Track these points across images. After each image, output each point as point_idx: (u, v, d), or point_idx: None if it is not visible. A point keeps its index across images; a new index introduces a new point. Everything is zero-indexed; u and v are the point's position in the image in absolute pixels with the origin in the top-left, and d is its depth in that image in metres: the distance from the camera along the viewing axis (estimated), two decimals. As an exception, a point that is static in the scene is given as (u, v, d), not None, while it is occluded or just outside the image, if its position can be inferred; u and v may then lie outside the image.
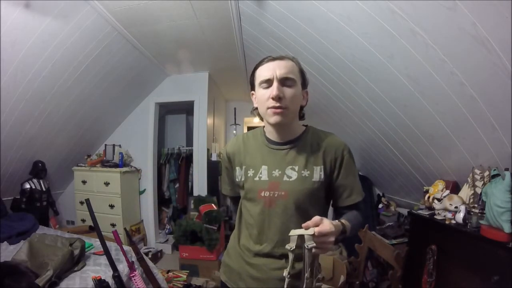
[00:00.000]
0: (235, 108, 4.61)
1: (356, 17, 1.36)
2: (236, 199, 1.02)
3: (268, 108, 0.79)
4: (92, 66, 2.32)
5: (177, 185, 3.90)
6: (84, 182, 3.13)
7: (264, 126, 0.92)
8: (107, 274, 1.52)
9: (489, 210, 1.18)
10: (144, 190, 3.47)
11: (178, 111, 4.30)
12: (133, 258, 1.72)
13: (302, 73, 0.85)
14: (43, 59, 1.94)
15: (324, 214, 0.87)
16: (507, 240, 1.08)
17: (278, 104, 0.77)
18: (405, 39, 1.23)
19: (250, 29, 2.17)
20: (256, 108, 0.88)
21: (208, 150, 3.40)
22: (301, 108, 0.87)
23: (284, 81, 0.79)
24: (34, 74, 1.99)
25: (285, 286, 0.68)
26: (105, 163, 3.19)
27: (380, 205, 2.61)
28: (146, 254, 2.69)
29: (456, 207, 1.38)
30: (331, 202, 0.89)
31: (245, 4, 1.85)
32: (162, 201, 3.90)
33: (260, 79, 0.81)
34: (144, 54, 2.65)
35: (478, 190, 1.36)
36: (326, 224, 0.65)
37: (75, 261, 1.58)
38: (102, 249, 1.53)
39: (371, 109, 1.91)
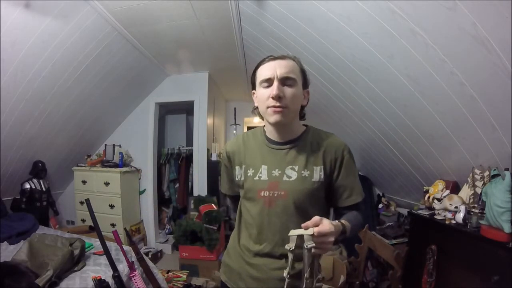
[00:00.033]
0: (235, 108, 4.61)
1: (356, 17, 1.36)
2: (234, 198, 1.02)
3: (268, 107, 0.79)
4: (92, 66, 2.32)
5: (177, 185, 3.90)
6: (84, 182, 3.13)
7: (264, 126, 0.92)
8: (107, 274, 1.52)
9: (489, 210, 1.18)
10: (144, 190, 3.47)
11: (178, 111, 4.30)
12: (133, 258, 1.72)
13: (303, 73, 0.85)
14: (43, 59, 1.94)
15: (324, 214, 0.87)
16: (507, 240, 1.08)
17: (278, 104, 0.77)
18: (405, 39, 1.23)
19: (250, 29, 2.17)
20: (257, 107, 0.88)
21: (208, 150, 3.40)
22: (302, 108, 0.87)
23: (284, 81, 0.79)
24: (34, 74, 1.99)
25: (285, 287, 0.68)
26: (105, 163, 3.19)
27: (380, 205, 2.61)
28: (146, 254, 2.69)
29: (456, 207, 1.38)
30: (331, 202, 0.89)
31: (245, 4, 1.85)
32: (162, 201, 3.90)
33: (261, 78, 0.81)
34: (144, 54, 2.65)
35: (478, 190, 1.36)
36: (326, 224, 0.65)
37: (75, 261, 1.58)
38: (102, 249, 1.53)
39: (371, 109, 1.91)
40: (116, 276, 1.47)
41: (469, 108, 1.24)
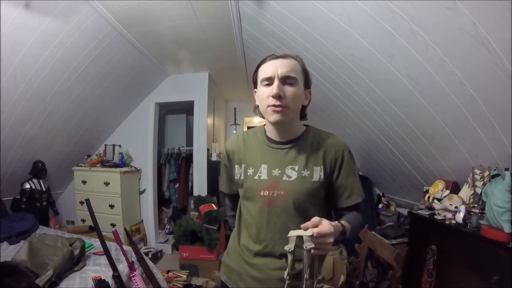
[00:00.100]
0: (235, 108, 4.61)
1: (356, 17, 1.36)
2: (233, 197, 1.03)
3: (268, 106, 0.79)
4: (92, 66, 2.32)
5: (177, 185, 3.90)
6: (84, 182, 3.13)
7: (265, 125, 0.92)
8: (107, 274, 1.52)
9: (489, 210, 1.18)
10: (144, 190, 3.47)
11: (178, 111, 4.30)
12: (133, 258, 1.72)
13: (305, 72, 0.84)
14: (43, 59, 1.94)
15: (324, 214, 0.87)
16: (507, 240, 1.08)
17: (278, 103, 0.77)
18: (405, 39, 1.23)
19: (250, 29, 2.17)
20: (258, 106, 0.88)
21: (208, 150, 3.40)
22: (303, 107, 0.87)
23: (285, 80, 0.78)
24: (34, 74, 1.99)
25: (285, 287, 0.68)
26: (105, 163, 3.19)
27: (380, 205, 2.61)
28: (146, 254, 2.69)
29: (456, 207, 1.38)
30: (332, 202, 0.89)
31: (245, 4, 1.85)
32: (162, 201, 3.90)
33: (262, 76, 0.81)
34: (144, 54, 2.65)
35: (478, 190, 1.36)
36: (325, 225, 0.65)
37: (75, 261, 1.58)
38: (102, 249, 1.53)
39: (371, 109, 1.91)
40: (116, 276, 1.47)
41: (469, 108, 1.24)
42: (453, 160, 1.60)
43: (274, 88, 0.77)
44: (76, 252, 1.59)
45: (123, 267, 1.62)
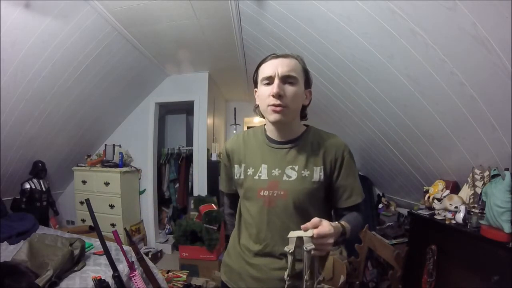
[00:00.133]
0: (235, 108, 4.61)
1: (356, 17, 1.36)
2: (231, 196, 1.03)
3: (268, 105, 0.79)
4: (92, 66, 2.32)
5: (177, 185, 3.90)
6: (84, 182, 3.13)
7: (265, 125, 0.92)
8: (107, 274, 1.52)
9: (489, 210, 1.18)
10: (144, 190, 3.47)
11: (178, 111, 4.30)
12: (133, 258, 1.72)
13: (305, 72, 0.84)
14: (43, 59, 1.94)
15: (324, 214, 0.87)
16: (507, 240, 1.08)
17: (278, 102, 0.77)
18: (405, 39, 1.23)
19: (250, 29, 2.17)
20: (258, 106, 0.88)
21: (208, 150, 3.40)
22: (304, 107, 0.87)
23: (285, 79, 0.78)
24: (34, 74, 1.99)
25: None
26: (105, 163, 3.19)
27: (380, 205, 2.61)
28: (146, 254, 2.69)
29: (456, 207, 1.38)
30: (332, 203, 0.89)
31: (245, 4, 1.85)
32: (162, 201, 3.90)
33: (262, 76, 0.81)
34: (144, 54, 2.65)
35: (478, 190, 1.37)
36: (325, 226, 0.65)
37: (75, 261, 1.58)
38: (102, 249, 1.53)
39: (371, 109, 1.91)
40: (116, 276, 1.47)
41: (469, 108, 1.24)
42: (453, 160, 1.60)
43: (274, 87, 0.76)
44: (76, 252, 1.59)
45: (123, 267, 1.62)
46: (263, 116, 0.87)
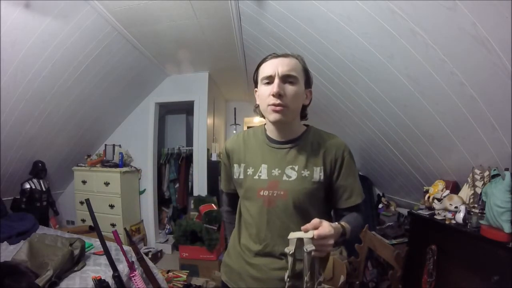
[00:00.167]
0: (235, 108, 4.61)
1: (356, 17, 1.36)
2: (229, 195, 1.03)
3: (269, 105, 0.78)
4: (92, 66, 2.32)
5: (177, 185, 3.90)
6: (84, 182, 3.13)
7: (265, 124, 0.92)
8: (107, 274, 1.52)
9: (489, 210, 1.18)
10: (144, 190, 3.47)
11: (178, 111, 4.30)
12: (133, 258, 1.72)
13: (306, 71, 0.84)
14: (43, 59, 1.94)
15: (324, 214, 0.87)
16: (507, 240, 1.08)
17: (278, 101, 0.76)
18: (405, 39, 1.23)
19: (250, 29, 2.17)
20: (258, 106, 0.88)
21: (208, 150, 3.40)
22: (304, 107, 0.87)
23: (285, 79, 0.78)
24: (34, 74, 1.99)
25: None
26: (105, 163, 3.19)
27: (380, 205, 2.61)
28: (146, 254, 2.69)
29: (456, 207, 1.38)
30: (332, 203, 0.89)
31: (245, 4, 1.85)
32: (162, 201, 3.90)
33: (263, 75, 0.81)
34: (144, 54, 2.65)
35: (478, 190, 1.37)
36: (326, 227, 0.64)
37: (75, 261, 1.58)
38: (102, 249, 1.53)
39: (371, 109, 1.91)
40: (116, 276, 1.47)
41: (469, 108, 1.24)
42: (453, 160, 1.60)
43: (274, 87, 0.76)
44: (76, 252, 1.59)
45: (123, 267, 1.62)
46: (263, 116, 0.87)
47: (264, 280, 0.83)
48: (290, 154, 0.84)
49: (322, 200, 0.85)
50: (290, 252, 0.65)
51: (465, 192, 1.46)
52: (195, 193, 3.26)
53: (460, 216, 1.34)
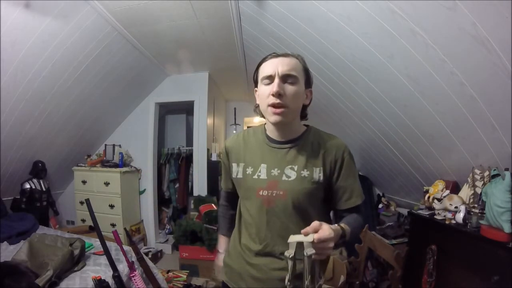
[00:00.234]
0: (235, 108, 4.61)
1: (356, 17, 1.36)
2: (228, 193, 1.04)
3: (269, 105, 0.78)
4: (92, 66, 2.32)
5: (177, 185, 3.90)
6: (84, 182, 3.13)
7: (265, 124, 0.92)
8: (107, 274, 1.52)
9: (489, 210, 1.18)
10: (144, 190, 3.47)
11: (178, 111, 4.30)
12: (133, 258, 1.72)
13: (306, 71, 0.84)
14: (43, 59, 1.94)
15: (324, 214, 0.87)
16: (507, 240, 1.08)
17: (278, 101, 0.76)
18: (405, 39, 1.23)
19: (250, 29, 2.17)
20: (258, 106, 0.87)
21: (208, 150, 3.39)
22: (304, 107, 0.87)
23: (286, 78, 0.78)
24: (34, 74, 1.99)
25: None
26: (105, 163, 3.19)
27: (380, 205, 2.61)
28: (146, 254, 2.69)
29: (456, 207, 1.38)
30: (331, 204, 0.88)
31: (245, 4, 1.85)
32: (162, 201, 3.90)
33: (263, 75, 0.81)
34: (144, 54, 2.65)
35: (478, 190, 1.37)
36: (325, 230, 0.64)
37: (75, 261, 1.58)
38: (102, 249, 1.53)
39: (371, 109, 1.91)
40: (116, 276, 1.47)
41: (469, 108, 1.24)
42: (453, 160, 1.60)
43: (274, 86, 0.76)
44: (76, 252, 1.59)
45: (123, 267, 1.62)
46: (263, 116, 0.87)
47: (264, 280, 0.83)
48: (289, 154, 0.84)
49: (322, 200, 0.85)
50: (290, 256, 0.64)
51: (465, 192, 1.46)
52: (195, 193, 3.26)
53: (460, 216, 1.34)
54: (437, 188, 1.63)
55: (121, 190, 3.05)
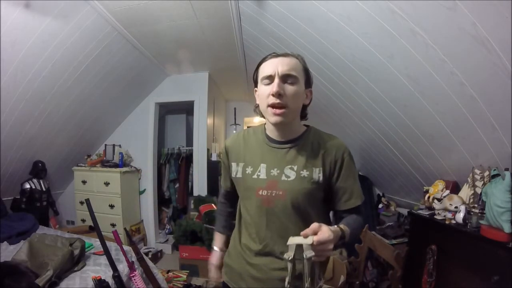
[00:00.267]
0: (235, 108, 4.62)
1: (356, 17, 1.36)
2: (228, 193, 1.04)
3: (269, 105, 0.78)
4: (92, 66, 2.32)
5: (177, 185, 3.90)
6: (84, 182, 3.13)
7: (265, 124, 0.91)
8: (107, 274, 1.52)
9: (489, 210, 1.18)
10: (144, 190, 3.47)
11: (178, 111, 4.30)
12: (133, 258, 1.72)
13: (306, 71, 0.84)
14: (43, 59, 1.94)
15: (323, 215, 0.87)
16: (507, 240, 1.08)
17: (278, 101, 0.76)
18: (405, 39, 1.23)
19: (250, 29, 2.17)
20: (258, 106, 0.87)
21: (208, 150, 3.40)
22: (304, 107, 0.87)
23: (285, 78, 0.77)
24: (34, 74, 1.99)
25: None
26: (105, 163, 3.19)
27: (380, 205, 2.61)
28: (146, 254, 2.69)
29: (456, 207, 1.38)
30: (331, 205, 0.88)
31: (245, 4, 1.85)
32: (162, 201, 3.90)
33: (262, 75, 0.81)
34: (144, 54, 2.65)
35: (478, 190, 1.37)
36: (325, 231, 0.64)
37: (75, 261, 1.58)
38: (102, 249, 1.53)
39: (371, 109, 1.91)
40: (116, 276, 1.47)
41: (469, 108, 1.24)
42: (453, 160, 1.60)
43: (274, 86, 0.76)
44: (76, 252, 1.59)
45: (123, 267, 1.62)
46: (263, 116, 0.86)
47: (265, 280, 0.83)
48: (289, 154, 0.84)
49: (321, 200, 0.84)
50: (290, 258, 0.64)
51: (465, 192, 1.46)
52: (195, 193, 3.26)
53: (460, 216, 1.34)
54: (437, 188, 1.63)
55: (121, 190, 3.05)
